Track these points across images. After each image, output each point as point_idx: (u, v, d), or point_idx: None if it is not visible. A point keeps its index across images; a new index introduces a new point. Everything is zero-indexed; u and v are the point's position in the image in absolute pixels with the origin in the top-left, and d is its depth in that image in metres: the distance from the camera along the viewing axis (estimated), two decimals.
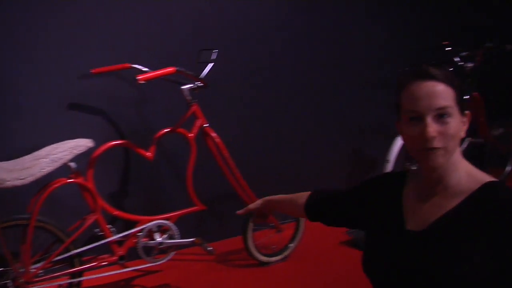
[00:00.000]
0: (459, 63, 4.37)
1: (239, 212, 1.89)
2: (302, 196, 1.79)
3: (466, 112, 1.36)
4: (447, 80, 1.30)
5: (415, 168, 1.52)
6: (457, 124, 1.30)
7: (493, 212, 1.28)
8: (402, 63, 4.49)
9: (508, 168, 5.31)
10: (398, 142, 3.75)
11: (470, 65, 4.40)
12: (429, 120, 1.27)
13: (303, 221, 3.34)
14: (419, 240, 1.34)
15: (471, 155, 4.63)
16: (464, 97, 1.37)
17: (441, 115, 1.28)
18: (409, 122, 1.32)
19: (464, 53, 4.40)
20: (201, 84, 2.90)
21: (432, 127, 1.27)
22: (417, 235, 1.35)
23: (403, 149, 3.79)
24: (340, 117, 4.33)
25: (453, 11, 5.21)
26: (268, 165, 3.84)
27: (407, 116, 1.32)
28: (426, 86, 1.29)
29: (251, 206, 1.88)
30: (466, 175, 1.36)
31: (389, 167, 3.67)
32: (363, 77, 4.45)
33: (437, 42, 4.39)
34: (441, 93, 1.28)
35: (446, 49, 4.35)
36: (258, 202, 1.86)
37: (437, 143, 1.27)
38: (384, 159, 3.74)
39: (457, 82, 1.33)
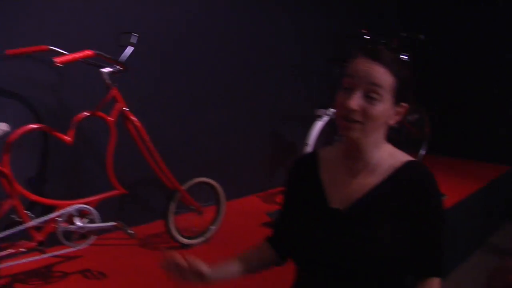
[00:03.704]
0: None
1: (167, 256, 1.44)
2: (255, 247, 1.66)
3: (403, 104, 1.41)
4: (391, 67, 1.35)
5: (328, 147, 1.59)
6: (384, 110, 1.35)
7: (412, 189, 1.37)
8: (319, 51, 4.64)
9: (422, 152, 5.59)
10: (317, 126, 3.87)
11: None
12: (358, 94, 1.33)
13: (224, 203, 3.40)
14: (343, 218, 1.39)
15: (386, 139, 4.86)
16: (410, 85, 1.42)
17: (370, 94, 1.33)
18: (343, 90, 1.37)
19: (381, 41, 4.57)
20: (121, 68, 2.89)
21: (356, 101, 1.33)
22: (341, 213, 1.40)
23: (322, 133, 3.92)
24: (262, 103, 4.40)
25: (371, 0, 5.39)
26: (190, 150, 3.86)
27: (343, 85, 1.38)
28: (368, 65, 1.34)
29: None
30: (388, 154, 1.44)
31: (308, 150, 3.78)
32: (283, 65, 4.54)
33: (355, 30, 4.54)
34: (379, 76, 1.34)
35: (364, 37, 4.51)
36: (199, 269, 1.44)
37: (356, 117, 1.33)
38: (303, 143, 3.85)
39: (403, 73, 1.37)
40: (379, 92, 1.33)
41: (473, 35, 6.04)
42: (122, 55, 2.90)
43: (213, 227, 3.38)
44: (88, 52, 2.63)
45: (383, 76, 1.34)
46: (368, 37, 4.49)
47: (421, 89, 6.01)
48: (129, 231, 2.91)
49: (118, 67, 2.87)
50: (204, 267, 1.43)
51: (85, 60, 2.75)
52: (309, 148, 3.82)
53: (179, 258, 1.42)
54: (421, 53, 5.55)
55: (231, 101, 4.16)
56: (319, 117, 3.96)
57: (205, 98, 3.96)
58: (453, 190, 4.61)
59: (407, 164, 1.42)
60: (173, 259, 1.42)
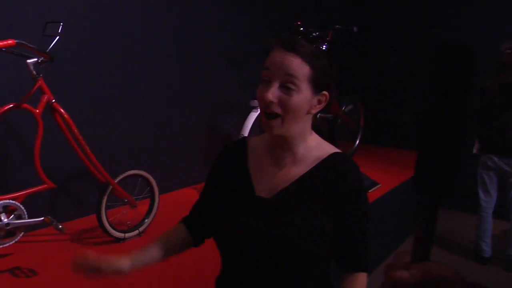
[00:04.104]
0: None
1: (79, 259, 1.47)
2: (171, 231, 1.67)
3: (324, 92, 1.41)
4: (306, 57, 1.34)
5: (258, 136, 1.60)
6: (302, 100, 1.36)
7: (337, 180, 1.38)
8: (256, 43, 4.66)
9: (357, 142, 5.72)
10: (252, 118, 3.89)
11: (324, 45, 4.65)
12: (274, 85, 1.34)
13: (157, 196, 3.37)
14: (268, 206, 1.40)
15: (322, 129, 4.94)
16: (328, 75, 1.43)
17: (287, 85, 1.33)
18: (262, 82, 1.37)
19: (315, 33, 4.63)
20: (47, 59, 2.80)
21: (273, 93, 1.33)
22: (267, 201, 1.41)
23: (256, 123, 3.95)
24: (197, 94, 4.39)
25: None
26: (123, 142, 3.80)
27: (262, 77, 1.38)
28: (283, 55, 1.34)
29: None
30: (315, 145, 1.46)
31: None
32: (217, 56, 4.54)
33: (290, 22, 4.58)
34: (294, 66, 1.33)
35: (300, 29, 4.56)
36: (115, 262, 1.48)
37: (274, 109, 1.34)
38: (239, 134, 3.87)
39: (319, 63, 1.37)
40: (295, 82, 1.34)
41: (405, 29, 6.23)
42: (49, 45, 2.81)
43: (147, 220, 3.34)
44: (9, 41, 2.54)
45: (299, 66, 1.34)
46: (302, 29, 4.54)
47: (356, 80, 6.18)
48: (59, 226, 2.84)
49: (44, 58, 2.78)
50: (119, 262, 1.45)
51: (8, 50, 2.65)
52: None
53: (91, 258, 1.44)
54: (354, 44, 5.68)
55: (166, 93, 4.12)
56: (254, 108, 3.98)
57: (139, 90, 3.90)
58: (386, 179, 4.74)
59: (333, 156, 1.45)
60: (85, 259, 1.44)
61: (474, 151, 4.55)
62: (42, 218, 2.81)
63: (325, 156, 1.44)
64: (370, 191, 4.23)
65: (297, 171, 1.44)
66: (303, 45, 1.36)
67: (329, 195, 1.38)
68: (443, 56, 0.62)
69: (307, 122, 1.45)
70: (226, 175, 1.54)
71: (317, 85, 1.38)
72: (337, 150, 1.48)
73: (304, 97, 1.36)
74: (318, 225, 1.36)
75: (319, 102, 1.42)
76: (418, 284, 0.61)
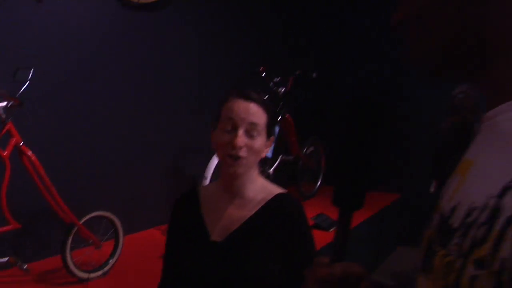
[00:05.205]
0: (273, 88, 4.80)
1: None
2: None
3: (271, 137, 1.59)
4: (263, 105, 1.53)
5: (208, 184, 1.73)
6: (262, 143, 1.53)
7: (282, 219, 1.51)
8: (222, 86, 4.82)
9: (318, 183, 5.86)
10: (215, 160, 4.00)
11: (282, 89, 4.85)
12: (241, 132, 1.48)
13: (122, 237, 3.43)
14: (222, 249, 1.50)
15: (284, 171, 5.09)
16: (276, 120, 1.62)
17: (251, 131, 1.49)
18: (224, 130, 1.51)
19: (277, 79, 4.84)
20: (16, 103, 2.89)
21: (242, 139, 1.48)
22: (220, 244, 1.51)
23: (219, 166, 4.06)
24: (162, 135, 4.47)
25: (268, 41, 5.68)
26: (88, 183, 3.85)
27: (224, 125, 1.52)
28: (245, 105, 1.51)
29: None
30: (261, 188, 1.59)
31: (206, 183, 3.90)
32: (183, 98, 4.66)
33: (254, 68, 4.78)
34: (256, 113, 1.50)
35: (263, 75, 4.76)
36: None
37: (242, 153, 1.48)
38: (202, 176, 3.97)
39: (271, 110, 1.56)
40: (257, 129, 1.51)
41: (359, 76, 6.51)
42: (19, 91, 2.90)
43: (111, 260, 3.38)
44: None
45: (259, 113, 1.52)
46: (265, 74, 4.75)
47: (317, 122, 6.37)
48: (24, 267, 2.87)
49: (14, 102, 2.87)
50: None
51: None
52: (207, 180, 3.93)
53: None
54: (313, 89, 5.90)
55: (131, 134, 4.21)
56: None
57: (104, 131, 3.98)
58: None
59: (278, 196, 1.58)
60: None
61: (431, 190, 4.72)
62: (7, 258, 2.84)
63: (270, 197, 1.57)
64: (330, 230, 4.35)
65: (246, 212, 1.55)
66: (259, 95, 1.54)
67: (276, 235, 1.50)
68: (355, 108, 0.81)
69: (256, 166, 1.60)
70: (182, 225, 1.65)
71: (270, 131, 1.56)
72: (282, 190, 1.62)
73: (262, 141, 1.53)
74: (267, 266, 1.47)
75: (267, 146, 1.59)
76: (336, 279, 0.77)
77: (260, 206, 1.55)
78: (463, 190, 0.61)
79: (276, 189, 1.62)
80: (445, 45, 0.65)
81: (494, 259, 0.51)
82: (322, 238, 4.26)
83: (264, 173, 4.59)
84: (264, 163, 4.67)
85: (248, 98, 1.53)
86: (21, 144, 2.96)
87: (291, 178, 5.32)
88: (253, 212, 1.54)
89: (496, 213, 0.52)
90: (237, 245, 1.51)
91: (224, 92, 1.60)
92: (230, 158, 1.50)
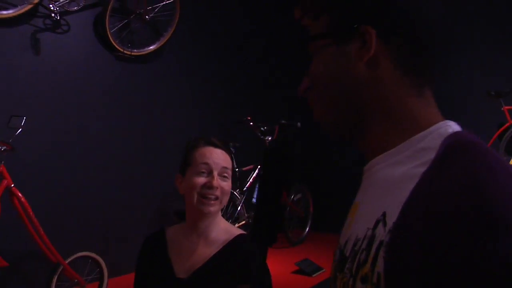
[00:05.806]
0: (260, 137, 5.00)
1: None
2: None
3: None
4: (229, 152, 1.76)
5: (174, 225, 1.88)
6: (230, 185, 1.73)
7: (239, 259, 1.66)
8: (209, 135, 4.97)
9: (306, 229, 5.93)
10: None
11: (269, 138, 5.03)
12: (215, 175, 1.68)
13: (106, 278, 3.54)
14: (186, 286, 1.65)
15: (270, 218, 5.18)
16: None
17: (223, 174, 1.69)
18: (199, 174, 1.69)
19: (263, 128, 5.03)
20: (9, 148, 3.08)
21: (217, 181, 1.67)
22: (184, 282, 1.66)
23: None
24: (149, 181, 4.62)
25: (255, 91, 5.89)
26: (75, 224, 3.97)
27: (197, 170, 1.69)
28: (216, 151, 1.72)
29: None
30: (224, 229, 1.75)
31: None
32: (171, 146, 4.77)
33: (241, 117, 4.98)
34: (225, 159, 1.72)
35: (250, 123, 4.97)
36: None
37: (217, 193, 1.66)
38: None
39: (232, 156, 1.78)
40: (228, 172, 1.72)
41: None
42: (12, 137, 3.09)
43: None
44: None
45: (227, 159, 1.74)
46: (252, 124, 4.95)
47: (303, 170, 6.49)
48: None
49: (6, 147, 3.06)
50: None
51: None
52: None
53: None
54: (298, 137, 6.06)
55: (119, 178, 4.35)
56: None
57: (92, 175, 4.13)
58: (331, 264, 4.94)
59: (237, 237, 1.73)
60: None
61: None
62: None
63: (231, 237, 1.72)
64: (313, 275, 4.43)
65: (209, 252, 1.69)
66: (222, 143, 1.75)
67: (235, 271, 1.64)
68: (271, 155, 0.98)
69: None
70: (149, 263, 1.77)
71: (234, 175, 1.77)
72: (241, 231, 1.78)
73: (230, 183, 1.73)
74: None
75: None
76: None
77: (222, 246, 1.70)
78: (352, 227, 0.79)
79: (237, 231, 1.77)
80: (335, 117, 0.83)
81: (373, 274, 0.66)
82: (304, 283, 4.37)
83: (250, 219, 4.71)
84: (250, 209, 4.79)
85: (217, 145, 1.73)
86: (11, 186, 3.12)
87: (277, 225, 5.38)
88: (215, 251, 1.69)
89: (372, 240, 0.69)
90: (200, 282, 1.64)
91: (189, 141, 1.80)
92: (206, 199, 1.66)
